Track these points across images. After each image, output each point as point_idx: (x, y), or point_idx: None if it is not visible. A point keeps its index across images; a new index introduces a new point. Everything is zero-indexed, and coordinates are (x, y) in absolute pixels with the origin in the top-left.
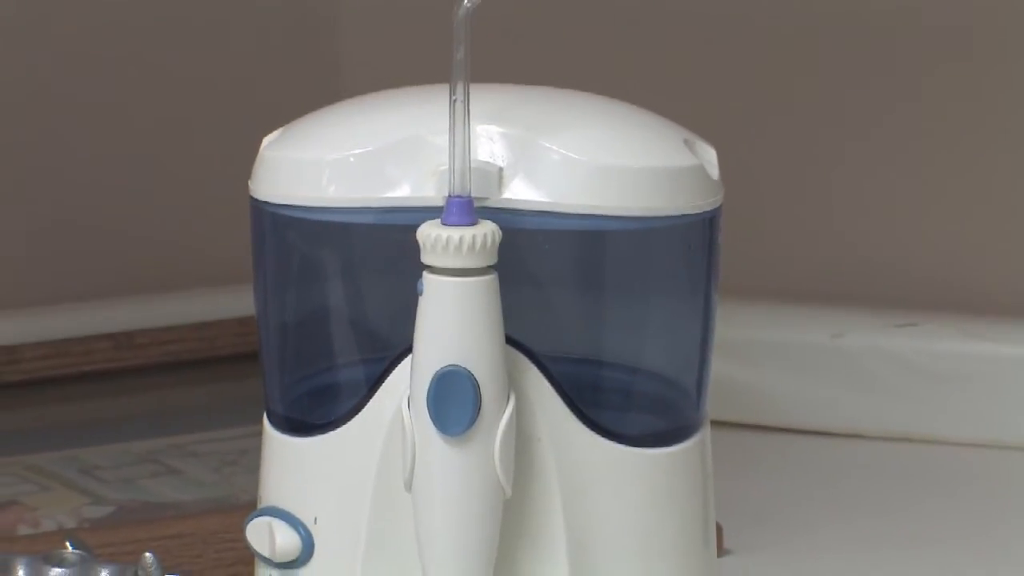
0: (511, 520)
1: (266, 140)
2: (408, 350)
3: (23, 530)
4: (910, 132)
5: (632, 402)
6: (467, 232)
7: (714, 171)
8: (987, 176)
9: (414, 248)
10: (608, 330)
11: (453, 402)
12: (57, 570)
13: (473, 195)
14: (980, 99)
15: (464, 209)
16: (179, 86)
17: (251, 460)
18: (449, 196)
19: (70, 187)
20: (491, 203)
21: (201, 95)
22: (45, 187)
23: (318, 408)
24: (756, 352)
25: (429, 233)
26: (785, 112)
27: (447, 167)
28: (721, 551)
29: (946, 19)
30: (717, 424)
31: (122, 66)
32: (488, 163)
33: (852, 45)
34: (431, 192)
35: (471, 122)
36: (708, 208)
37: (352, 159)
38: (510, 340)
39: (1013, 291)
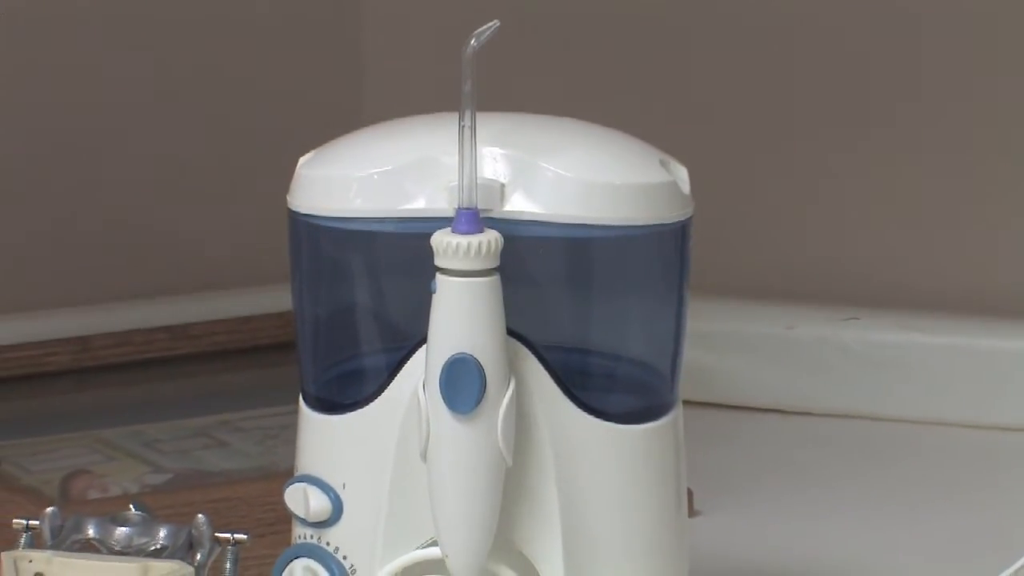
0: (511, 486)
1: (301, 160)
2: (423, 341)
3: (93, 494)
4: (853, 149)
5: (616, 385)
6: (474, 239)
7: (685, 187)
8: (921, 187)
9: (428, 253)
10: (595, 323)
11: (462, 385)
12: (122, 529)
13: (479, 207)
14: (919, 114)
15: (471, 219)
16: (226, 111)
17: (289, 434)
18: (458, 208)
19: (135, 201)
20: (495, 214)
21: (246, 122)
22: (113, 199)
23: (346, 390)
24: (721, 341)
25: (441, 240)
26: (749, 137)
27: (457, 183)
28: (692, 513)
29: (885, 30)
30: (688, 403)
31: (187, 85)
32: (492, 180)
33: (800, 61)
34: (443, 205)
35: (477, 144)
36: (680, 218)
37: (375, 176)
38: (511, 332)
39: (942, 289)
